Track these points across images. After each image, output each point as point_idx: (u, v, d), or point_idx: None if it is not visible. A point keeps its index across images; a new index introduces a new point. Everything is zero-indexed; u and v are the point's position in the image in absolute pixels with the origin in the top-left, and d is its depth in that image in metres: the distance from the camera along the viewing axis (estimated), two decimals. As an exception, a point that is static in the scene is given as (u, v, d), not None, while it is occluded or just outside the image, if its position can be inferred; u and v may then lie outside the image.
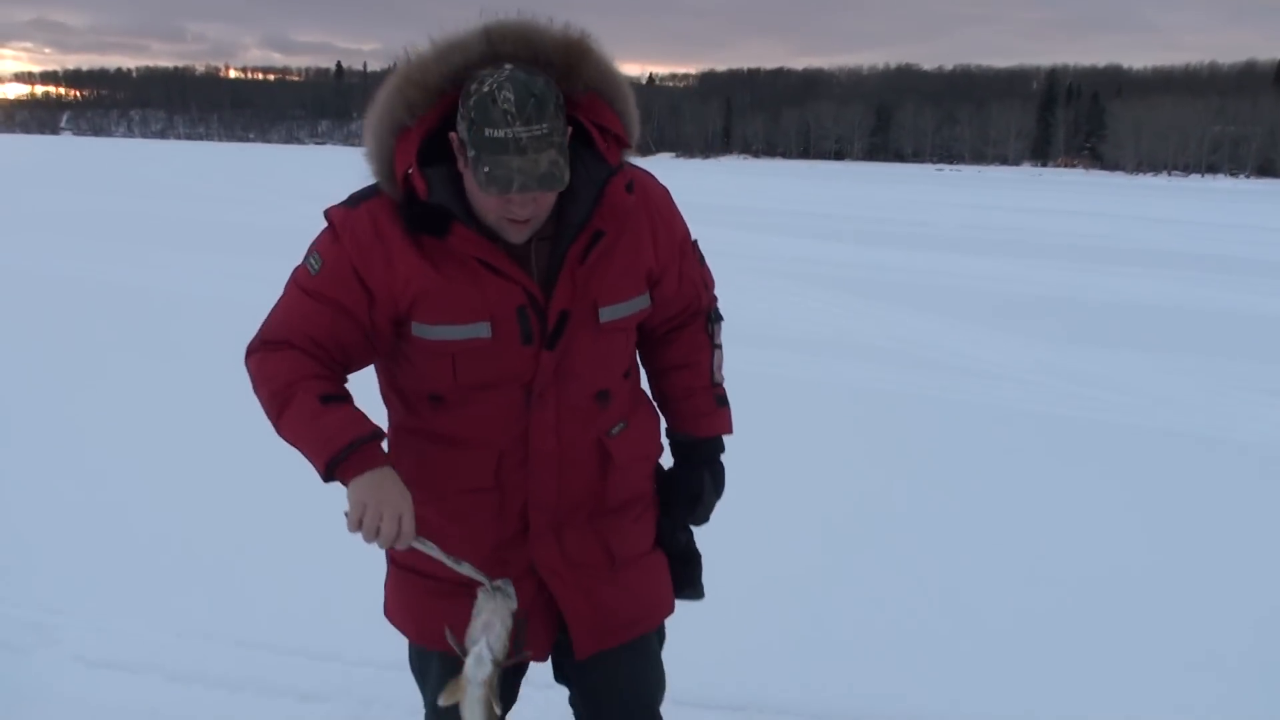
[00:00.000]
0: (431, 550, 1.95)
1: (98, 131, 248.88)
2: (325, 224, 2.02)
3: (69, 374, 7.79)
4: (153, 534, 4.78)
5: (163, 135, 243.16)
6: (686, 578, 2.34)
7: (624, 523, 2.20)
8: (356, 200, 1.99)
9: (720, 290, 2.37)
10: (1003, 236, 21.84)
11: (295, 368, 1.97)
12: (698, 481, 2.29)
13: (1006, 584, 4.45)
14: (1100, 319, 11.30)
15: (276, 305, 2.06)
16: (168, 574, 4.37)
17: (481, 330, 1.96)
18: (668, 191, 2.19)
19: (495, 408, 2.03)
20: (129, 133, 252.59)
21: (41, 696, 3.42)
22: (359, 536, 1.91)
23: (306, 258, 2.02)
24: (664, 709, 2.43)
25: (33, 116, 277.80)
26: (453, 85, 1.89)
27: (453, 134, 1.88)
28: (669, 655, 2.38)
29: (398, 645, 2.36)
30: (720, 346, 2.34)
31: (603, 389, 2.11)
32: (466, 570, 1.95)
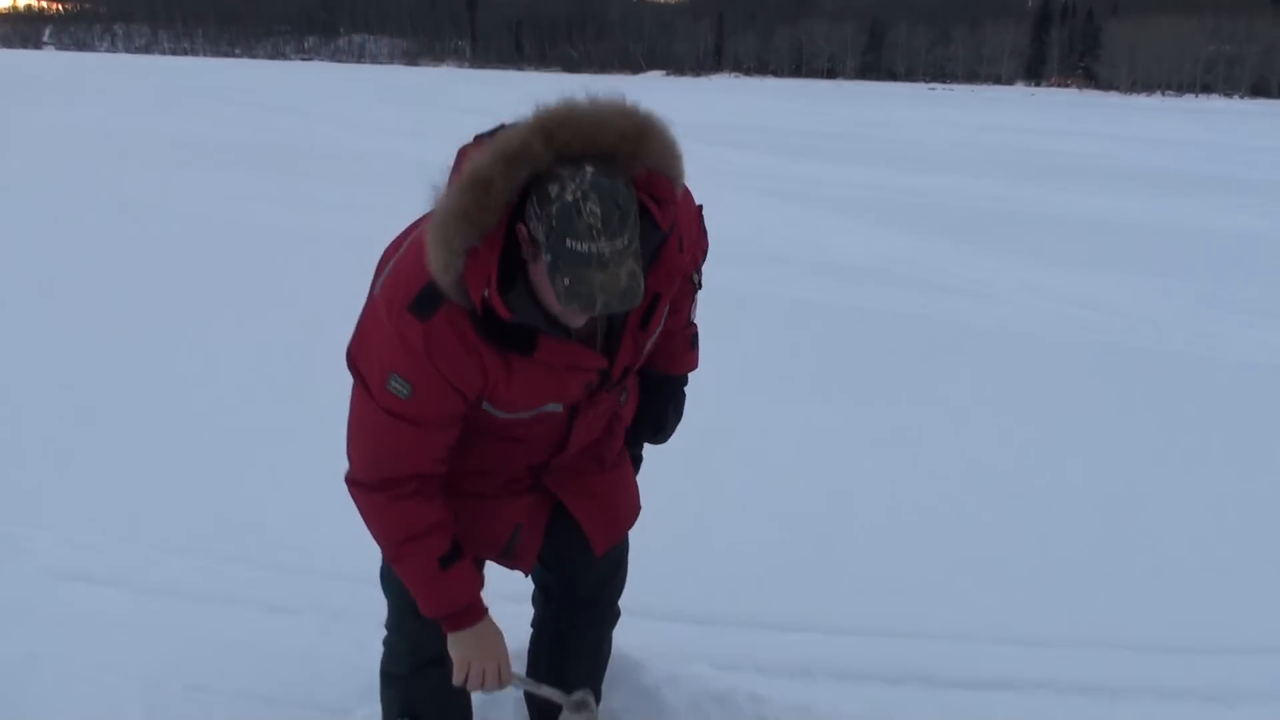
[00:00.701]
0: (524, 686, 2.36)
1: (81, 46, 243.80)
2: (389, 327, 1.91)
3: (43, 285, 7.73)
4: (124, 447, 4.76)
5: (147, 50, 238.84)
6: None
7: (609, 437, 2.38)
8: (427, 308, 1.87)
9: (705, 208, 2.34)
10: (992, 156, 21.66)
11: (414, 521, 2.07)
12: (662, 412, 2.45)
13: (988, 501, 4.46)
14: (1088, 238, 11.22)
15: (375, 433, 2.02)
16: (138, 487, 4.35)
17: (555, 408, 2.10)
18: (688, 192, 2.13)
19: (546, 425, 2.15)
20: (112, 47, 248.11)
21: (10, 608, 3.42)
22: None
23: (387, 378, 1.94)
24: (635, 623, 2.66)
25: (15, 31, 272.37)
26: (518, 193, 1.78)
27: (521, 227, 1.79)
28: (643, 572, 2.55)
29: (369, 559, 2.35)
30: (698, 289, 2.38)
31: (627, 383, 2.29)
32: (547, 693, 2.36)
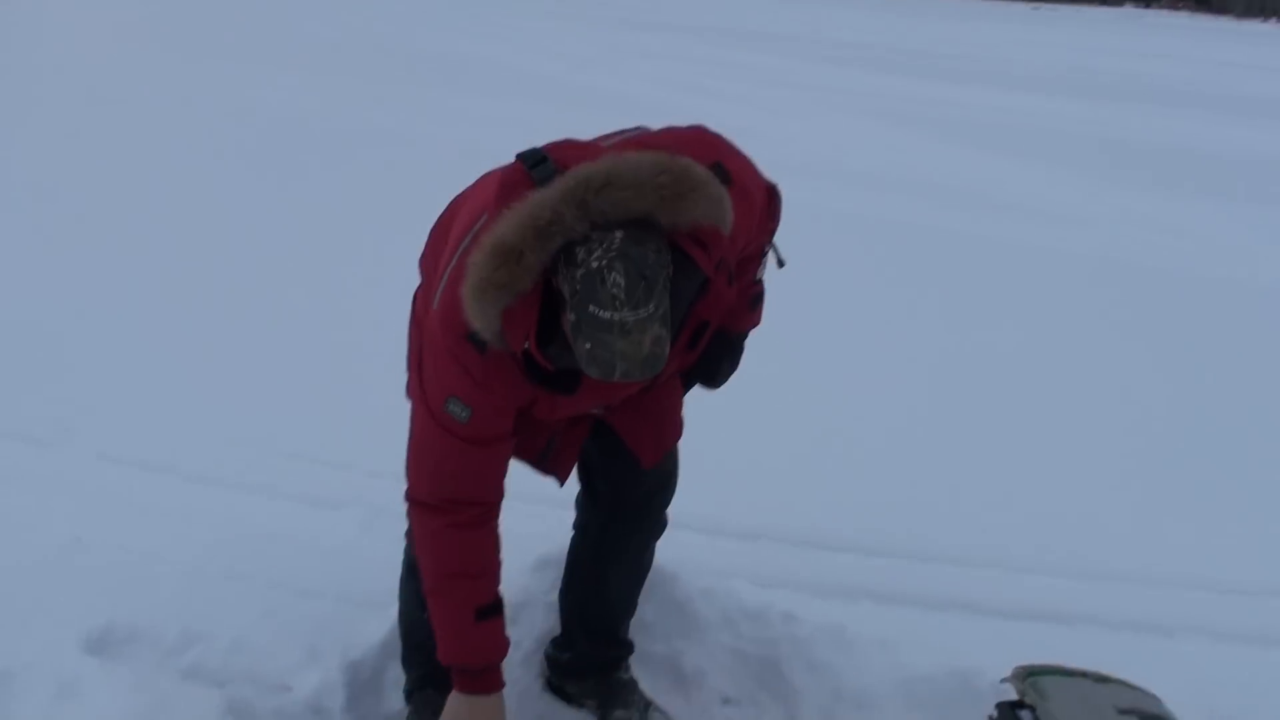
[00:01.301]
0: None
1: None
2: (444, 351, 1.93)
3: (76, 177, 7.84)
4: (179, 337, 4.84)
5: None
6: None
7: None
8: (482, 342, 1.84)
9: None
10: (1093, 80, 20.84)
11: (468, 558, 2.07)
12: (716, 366, 2.36)
13: (1048, 430, 4.35)
14: (1192, 168, 10.77)
15: (437, 455, 2.04)
16: (191, 377, 4.42)
17: (598, 410, 2.18)
18: (752, 184, 2.07)
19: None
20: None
21: (61, 489, 3.49)
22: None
23: (445, 401, 1.95)
24: (676, 535, 2.62)
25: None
26: (552, 258, 1.73)
27: (556, 280, 1.75)
28: (689, 485, 2.54)
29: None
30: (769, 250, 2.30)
31: None
32: None
